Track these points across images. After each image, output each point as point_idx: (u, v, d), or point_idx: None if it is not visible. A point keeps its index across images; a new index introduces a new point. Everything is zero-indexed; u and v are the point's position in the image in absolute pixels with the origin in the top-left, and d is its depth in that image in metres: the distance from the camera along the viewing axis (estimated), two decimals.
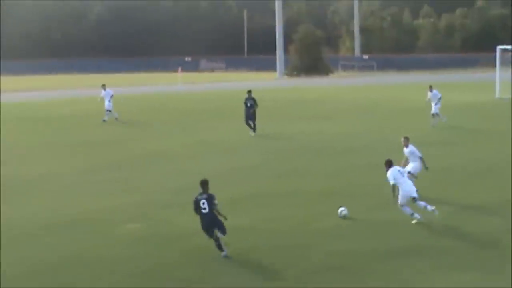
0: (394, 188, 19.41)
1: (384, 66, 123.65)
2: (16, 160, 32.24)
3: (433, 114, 40.18)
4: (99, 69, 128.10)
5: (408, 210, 19.52)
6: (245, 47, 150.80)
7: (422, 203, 19.43)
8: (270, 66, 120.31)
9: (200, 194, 17.17)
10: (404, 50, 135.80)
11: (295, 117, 46.90)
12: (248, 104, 38.30)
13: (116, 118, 45.85)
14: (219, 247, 17.03)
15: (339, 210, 20.31)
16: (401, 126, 39.16)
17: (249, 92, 38.95)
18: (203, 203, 16.95)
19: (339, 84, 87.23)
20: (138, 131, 42.10)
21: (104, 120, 45.63)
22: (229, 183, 24.06)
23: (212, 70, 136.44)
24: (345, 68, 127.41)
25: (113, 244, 18.31)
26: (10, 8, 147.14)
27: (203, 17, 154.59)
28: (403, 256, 16.74)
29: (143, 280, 15.70)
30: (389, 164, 19.61)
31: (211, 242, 17.76)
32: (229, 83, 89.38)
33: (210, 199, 16.99)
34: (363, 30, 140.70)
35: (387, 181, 19.54)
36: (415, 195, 19.39)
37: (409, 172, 21.36)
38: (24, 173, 28.64)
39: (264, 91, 73.14)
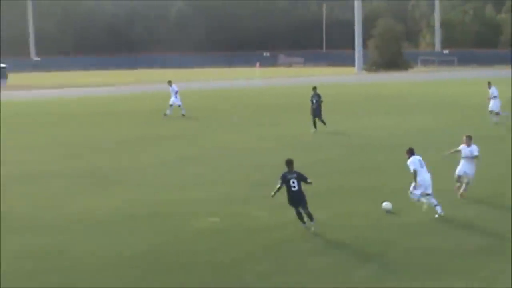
0: (416, 174, 19.60)
1: (465, 61, 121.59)
2: (95, 153, 32.91)
3: (491, 111, 39.61)
4: (181, 64, 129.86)
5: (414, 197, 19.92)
6: (324, 41, 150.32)
7: (434, 200, 19.64)
8: (348, 61, 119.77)
9: (289, 172, 18.41)
10: (486, 44, 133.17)
11: (372, 112, 46.59)
12: (314, 101, 38.20)
13: (183, 115, 46.30)
14: (301, 219, 18.46)
15: (383, 204, 20.26)
16: (477, 122, 38.48)
17: (315, 88, 38.89)
18: (293, 182, 18.22)
19: (418, 80, 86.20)
20: (215, 125, 42.45)
21: (165, 115, 46.17)
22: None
23: (290, 65, 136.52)
24: (425, 63, 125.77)
25: (192, 238, 18.46)
26: (93, 4, 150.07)
27: (281, 12, 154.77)
28: (482, 254, 16.44)
29: (221, 273, 15.81)
30: (411, 152, 19.97)
31: (290, 236, 17.87)
32: (307, 78, 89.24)
33: (300, 178, 18.32)
34: (444, 24, 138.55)
35: (407, 169, 19.87)
36: (429, 191, 19.63)
37: (467, 183, 21.48)
38: (103, 166, 29.23)
39: (342, 86, 72.90)
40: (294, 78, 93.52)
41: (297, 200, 18.38)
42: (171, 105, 46.75)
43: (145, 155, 31.78)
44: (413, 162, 19.76)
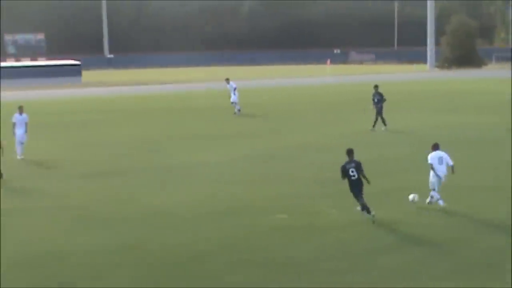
0: (432, 167, 20.20)
1: None
2: (168, 149, 33.26)
3: None
4: (252, 62, 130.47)
5: (436, 194, 20.24)
6: (395, 38, 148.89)
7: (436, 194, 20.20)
8: (420, 58, 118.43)
9: (348, 162, 19.17)
10: None
11: (440, 110, 46.06)
12: (375, 100, 38.00)
13: (238, 110, 46.56)
14: (367, 210, 18.84)
15: (410, 196, 20.44)
16: None
17: (376, 87, 38.67)
18: (352, 171, 18.97)
19: (491, 77, 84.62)
20: (286, 122, 42.51)
21: (235, 113, 46.45)
22: (374, 175, 23.91)
23: (361, 62, 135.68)
24: (499, 60, 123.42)
25: (261, 234, 18.55)
26: (165, 3, 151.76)
27: (352, 10, 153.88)
28: None
29: (293, 270, 15.85)
30: (434, 147, 20.58)
31: (361, 234, 17.82)
32: (378, 75, 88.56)
33: (358, 166, 19.02)
34: None
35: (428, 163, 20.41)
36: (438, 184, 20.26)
37: None
38: (177, 162, 29.52)
39: (412, 84, 72.09)
40: (365, 75, 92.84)
41: (357, 189, 19.00)
42: (235, 103, 47.09)
43: (216, 151, 32.01)
44: (432, 157, 20.32)
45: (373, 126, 37.37)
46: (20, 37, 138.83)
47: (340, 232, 18.40)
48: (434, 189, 20.29)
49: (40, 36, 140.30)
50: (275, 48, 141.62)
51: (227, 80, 48.09)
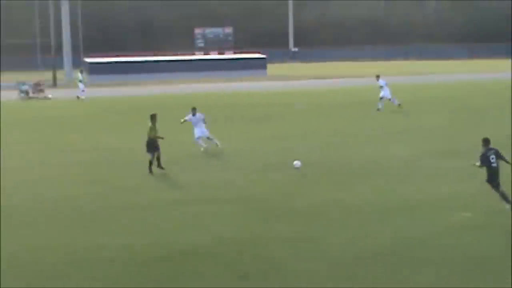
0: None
1: None
2: (340, 145, 33.23)
3: None
4: (438, 55, 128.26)
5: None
6: None
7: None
8: None
9: (488, 150, 19.88)
10: None
11: None
12: None
13: (398, 104, 46.04)
14: (506, 199, 19.64)
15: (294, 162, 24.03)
16: None
17: None
18: (492, 158, 19.69)
19: None
20: (465, 118, 41.43)
21: (378, 109, 45.74)
22: None
23: None
24: None
25: (441, 232, 18.34)
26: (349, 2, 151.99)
27: None
28: None
29: (464, 269, 15.58)
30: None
31: None
32: None
33: (497, 153, 19.84)
34: None
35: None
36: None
37: None
38: (349, 158, 29.51)
39: None
40: None
41: (494, 176, 19.63)
42: (382, 98, 46.50)
43: (392, 148, 31.72)
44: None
45: None
46: (209, 31, 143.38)
47: None
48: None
49: (228, 30, 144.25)
50: (462, 42, 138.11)
51: (377, 77, 47.82)
